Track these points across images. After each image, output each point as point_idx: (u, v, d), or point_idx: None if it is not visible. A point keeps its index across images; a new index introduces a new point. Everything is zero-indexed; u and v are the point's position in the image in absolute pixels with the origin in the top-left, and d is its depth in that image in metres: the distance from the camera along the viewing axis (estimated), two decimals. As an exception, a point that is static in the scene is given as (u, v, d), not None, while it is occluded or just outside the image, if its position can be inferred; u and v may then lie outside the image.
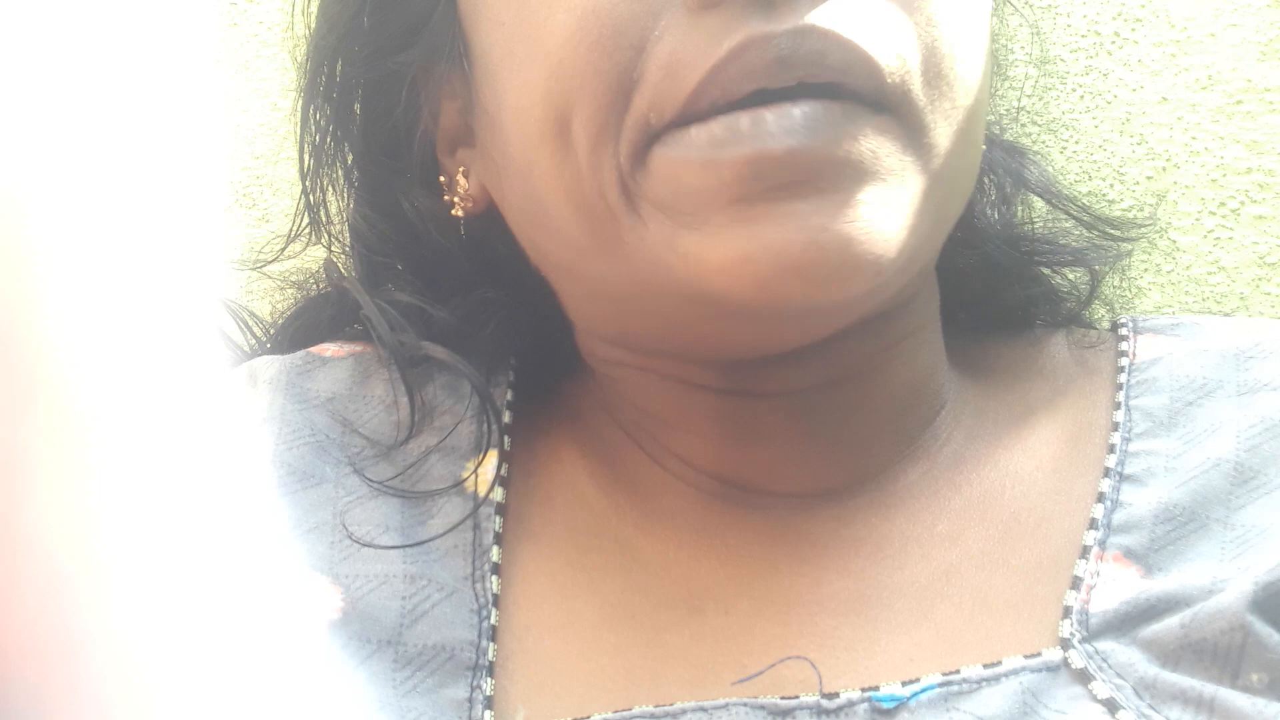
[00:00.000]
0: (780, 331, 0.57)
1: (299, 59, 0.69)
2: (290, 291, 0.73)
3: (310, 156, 0.69)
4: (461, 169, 0.64)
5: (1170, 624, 0.53)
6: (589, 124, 0.54)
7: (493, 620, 0.58)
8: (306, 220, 0.71)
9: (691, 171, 0.52)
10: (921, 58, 0.54)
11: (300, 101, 0.69)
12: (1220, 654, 0.52)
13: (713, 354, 0.59)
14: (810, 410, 0.61)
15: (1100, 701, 0.52)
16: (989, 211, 0.69)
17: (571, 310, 0.65)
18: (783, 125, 0.51)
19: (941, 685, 0.54)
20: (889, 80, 0.52)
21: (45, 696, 0.31)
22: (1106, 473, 0.60)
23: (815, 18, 0.51)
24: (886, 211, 0.52)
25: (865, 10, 0.53)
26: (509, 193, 0.61)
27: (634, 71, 0.53)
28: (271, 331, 0.74)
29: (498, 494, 0.62)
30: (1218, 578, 0.54)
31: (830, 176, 0.51)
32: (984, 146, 0.62)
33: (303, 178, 0.70)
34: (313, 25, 0.68)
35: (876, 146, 0.52)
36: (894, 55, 0.53)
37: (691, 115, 0.52)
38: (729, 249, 0.51)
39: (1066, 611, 0.55)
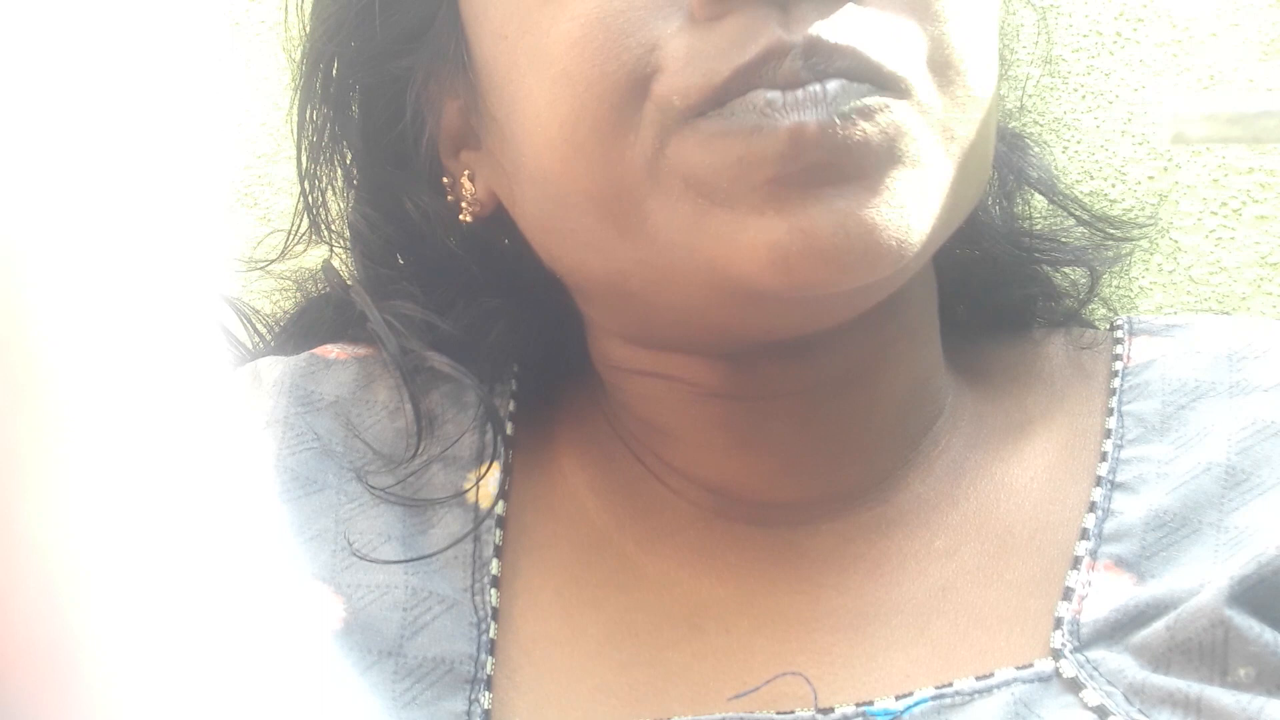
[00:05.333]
0: (797, 316, 0.57)
1: (295, 58, 0.69)
2: (293, 290, 0.73)
3: (308, 157, 0.69)
4: (467, 172, 0.64)
5: (1157, 628, 0.54)
6: (602, 122, 0.54)
7: (491, 634, 0.59)
8: (306, 222, 0.71)
9: (735, 142, 0.52)
10: (928, 54, 0.54)
11: (297, 102, 0.69)
12: (1206, 652, 0.52)
13: (725, 343, 0.59)
14: (813, 414, 0.61)
15: (1091, 709, 0.53)
16: (990, 205, 0.69)
17: (585, 307, 0.65)
18: (812, 96, 0.52)
19: (934, 698, 0.54)
20: (895, 82, 0.53)
21: (37, 699, 0.31)
22: (1098, 481, 0.60)
23: (822, 29, 0.52)
24: (910, 198, 0.53)
25: (868, 18, 0.53)
26: (520, 198, 0.61)
27: (647, 67, 0.53)
28: (275, 329, 0.73)
29: (499, 507, 0.62)
30: (1206, 580, 0.54)
31: (858, 158, 0.52)
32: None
33: (300, 179, 0.70)
34: (308, 25, 0.67)
35: (896, 123, 0.53)
36: (898, 61, 0.53)
37: (723, 98, 0.53)
38: (759, 232, 0.52)
39: (1058, 622, 0.56)
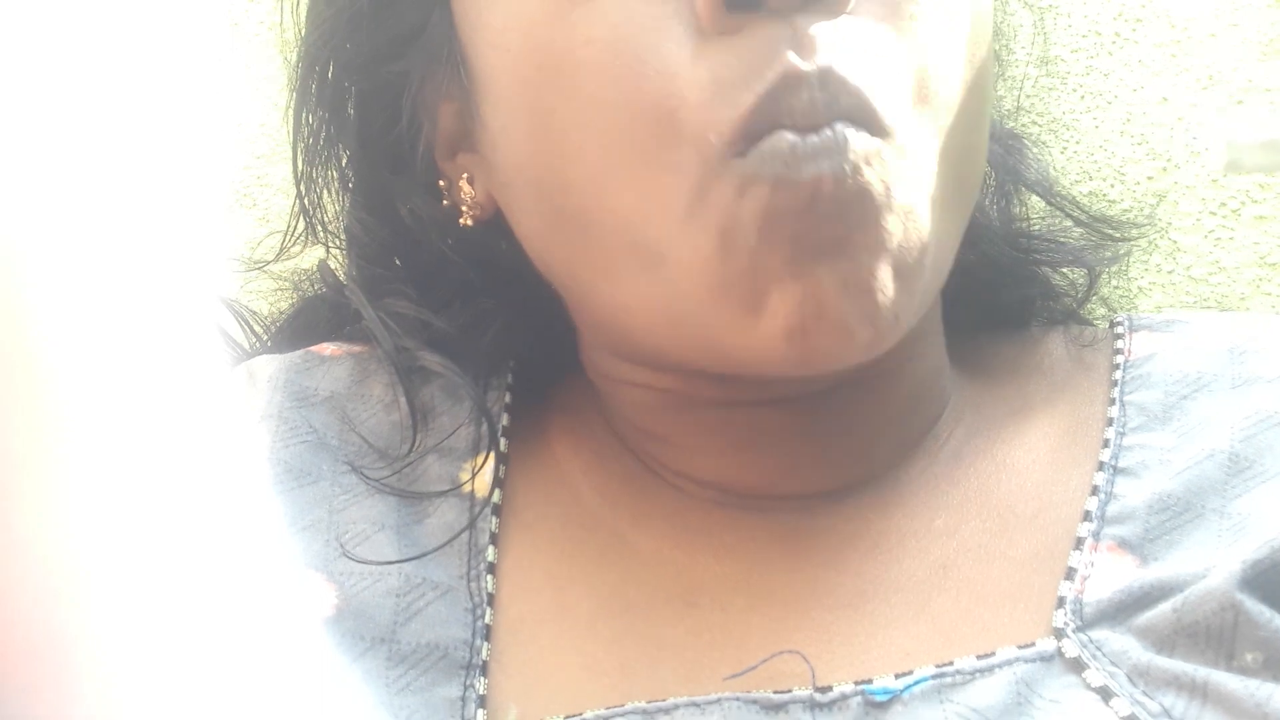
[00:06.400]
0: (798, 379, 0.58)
1: (292, 61, 0.69)
2: (290, 291, 0.73)
3: (304, 160, 0.69)
4: (465, 175, 0.64)
5: (1164, 609, 0.53)
6: (640, 156, 0.54)
7: (487, 619, 0.58)
8: (303, 224, 0.71)
9: (764, 190, 0.52)
10: (916, 85, 0.55)
11: (292, 105, 0.69)
12: (1214, 635, 0.52)
13: (722, 370, 0.59)
14: (812, 418, 0.61)
15: (1094, 690, 0.52)
16: (988, 207, 0.70)
17: (578, 321, 0.65)
18: (826, 144, 0.52)
19: (935, 677, 0.54)
20: (886, 127, 0.54)
21: (33, 697, 0.31)
22: (1100, 466, 0.60)
23: (833, 59, 0.52)
24: (912, 265, 0.54)
25: (867, 45, 0.53)
26: (520, 209, 0.61)
27: (670, 98, 0.53)
28: (272, 330, 0.74)
29: (495, 496, 0.62)
30: (1212, 564, 0.54)
31: (860, 211, 0.53)
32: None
33: (296, 182, 0.70)
34: (303, 28, 0.68)
35: (888, 168, 0.53)
36: (892, 96, 0.54)
37: (753, 134, 0.53)
38: (774, 318, 0.53)
39: (1061, 601, 0.56)
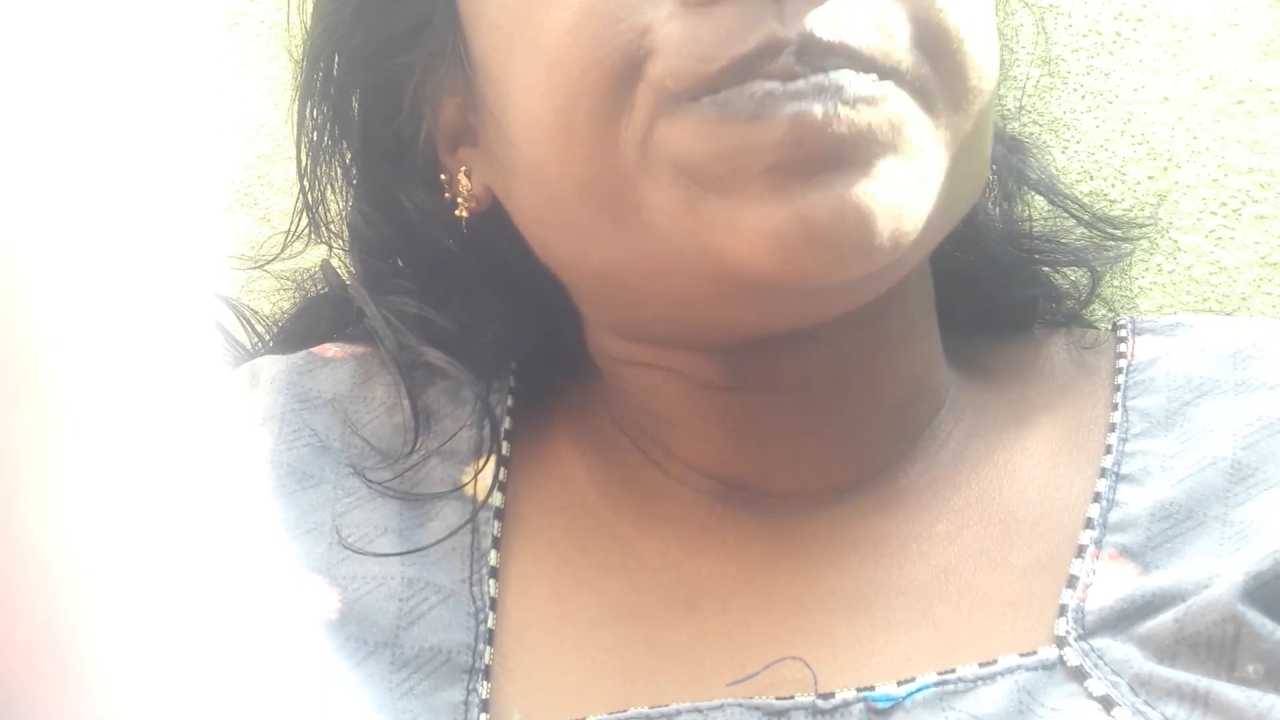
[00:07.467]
0: (794, 308, 0.57)
1: (296, 56, 0.69)
2: (292, 291, 0.73)
3: (308, 155, 0.69)
4: (464, 169, 0.65)
5: (1165, 619, 0.53)
6: (596, 109, 0.54)
7: (490, 624, 0.58)
8: (306, 220, 0.71)
9: (733, 130, 0.52)
10: (920, 41, 0.54)
11: (297, 99, 0.69)
12: (1215, 646, 0.52)
13: (721, 337, 0.59)
14: (812, 406, 0.61)
15: (1096, 699, 0.52)
16: (990, 208, 0.70)
17: (582, 303, 0.65)
18: (815, 86, 0.52)
19: (937, 685, 0.54)
20: (892, 71, 0.53)
21: (35, 697, 0.31)
22: (1103, 473, 0.60)
23: (816, 25, 0.52)
24: (907, 188, 0.53)
25: (860, 7, 0.53)
26: (516, 193, 0.61)
27: (639, 50, 0.53)
28: (274, 330, 0.74)
29: (496, 499, 0.62)
30: (1214, 574, 0.54)
31: (860, 145, 0.52)
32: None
33: (300, 177, 0.70)
34: (309, 23, 0.68)
35: (899, 111, 0.53)
36: (892, 50, 0.53)
37: (718, 85, 0.52)
38: (759, 219, 0.52)
39: (1062, 610, 0.56)
